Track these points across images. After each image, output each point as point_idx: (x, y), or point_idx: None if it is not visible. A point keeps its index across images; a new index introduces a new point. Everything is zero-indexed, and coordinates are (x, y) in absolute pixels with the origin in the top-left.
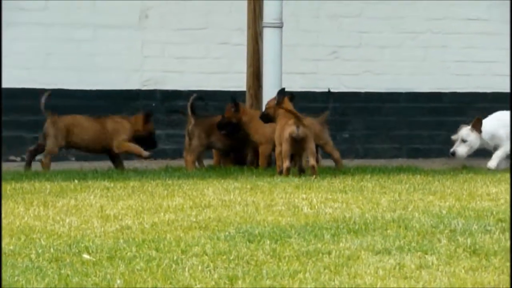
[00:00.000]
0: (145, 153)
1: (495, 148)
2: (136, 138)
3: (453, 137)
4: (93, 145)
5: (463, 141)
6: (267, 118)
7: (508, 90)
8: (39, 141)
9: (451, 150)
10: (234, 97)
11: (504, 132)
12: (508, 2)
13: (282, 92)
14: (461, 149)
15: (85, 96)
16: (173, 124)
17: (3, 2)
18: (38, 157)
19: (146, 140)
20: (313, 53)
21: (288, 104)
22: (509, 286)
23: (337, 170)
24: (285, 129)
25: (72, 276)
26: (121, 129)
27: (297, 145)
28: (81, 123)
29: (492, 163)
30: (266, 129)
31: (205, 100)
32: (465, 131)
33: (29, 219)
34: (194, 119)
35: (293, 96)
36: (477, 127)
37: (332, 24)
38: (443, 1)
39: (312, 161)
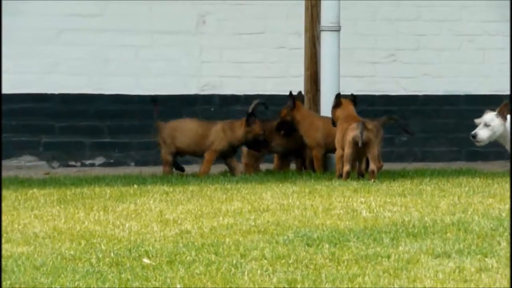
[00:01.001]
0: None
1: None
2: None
3: (477, 120)
4: (195, 149)
5: (486, 125)
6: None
7: None
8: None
9: (472, 132)
10: (292, 93)
11: None
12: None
13: (338, 96)
14: (482, 132)
15: (143, 101)
16: None
17: (59, 7)
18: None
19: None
20: (370, 57)
21: (348, 107)
22: None
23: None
24: (348, 133)
25: (132, 280)
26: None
27: (360, 149)
28: (184, 127)
29: None
30: (317, 133)
31: (267, 106)
32: (489, 115)
33: (89, 224)
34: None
35: (355, 98)
36: (503, 113)
37: (389, 27)
38: (499, 3)
39: (372, 166)
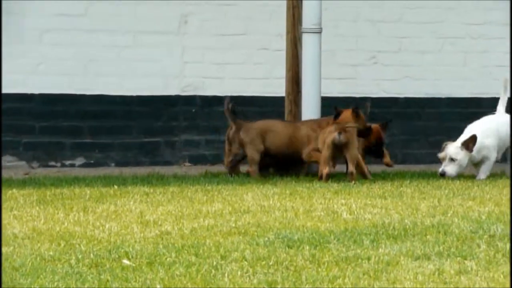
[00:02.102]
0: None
1: (483, 160)
2: None
3: (441, 155)
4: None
5: (452, 160)
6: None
7: None
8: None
9: (440, 170)
10: (357, 105)
11: (490, 142)
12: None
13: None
14: (450, 169)
15: (125, 102)
16: (213, 129)
17: (43, 7)
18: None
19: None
20: (352, 58)
21: (347, 116)
22: None
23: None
24: (327, 135)
25: (112, 281)
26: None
27: (338, 151)
28: (275, 128)
29: (482, 176)
30: None
31: (235, 104)
32: (453, 149)
33: (69, 224)
34: (236, 125)
35: (357, 109)
36: (468, 145)
37: (371, 29)
38: (483, 5)
39: (351, 168)
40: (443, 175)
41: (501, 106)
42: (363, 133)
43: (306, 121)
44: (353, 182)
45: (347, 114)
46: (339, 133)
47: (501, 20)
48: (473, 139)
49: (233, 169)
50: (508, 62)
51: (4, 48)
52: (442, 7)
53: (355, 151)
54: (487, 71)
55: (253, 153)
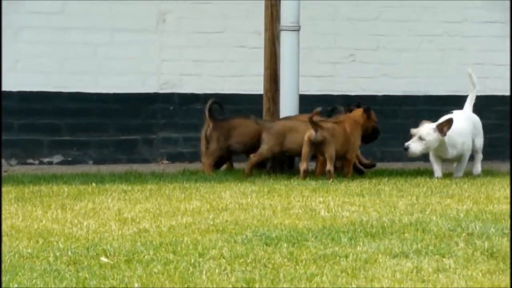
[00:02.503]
0: None
1: (460, 157)
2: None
3: (413, 130)
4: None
5: (421, 139)
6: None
7: None
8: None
9: (405, 144)
10: (360, 102)
11: (467, 140)
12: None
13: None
14: (415, 146)
15: (102, 100)
16: (191, 127)
17: (19, 5)
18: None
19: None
20: (330, 56)
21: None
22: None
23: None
24: (306, 132)
25: (90, 279)
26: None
27: (316, 148)
28: (297, 128)
29: (459, 174)
30: None
31: (222, 105)
32: (426, 129)
33: (47, 222)
34: (213, 122)
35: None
36: (443, 128)
37: (349, 27)
38: (460, 3)
39: (328, 166)
40: (406, 149)
41: (469, 104)
42: (371, 135)
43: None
44: (330, 180)
45: (358, 112)
46: (315, 130)
47: (479, 18)
48: (449, 123)
49: (253, 169)
50: (507, 61)
51: None
52: (420, 6)
53: (332, 149)
54: (464, 69)
55: (267, 151)
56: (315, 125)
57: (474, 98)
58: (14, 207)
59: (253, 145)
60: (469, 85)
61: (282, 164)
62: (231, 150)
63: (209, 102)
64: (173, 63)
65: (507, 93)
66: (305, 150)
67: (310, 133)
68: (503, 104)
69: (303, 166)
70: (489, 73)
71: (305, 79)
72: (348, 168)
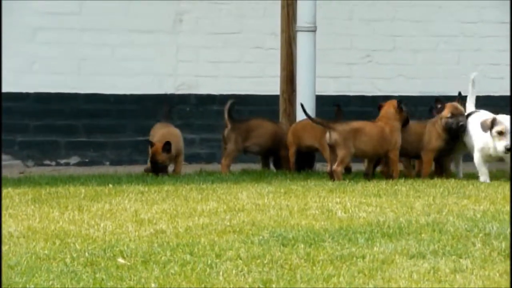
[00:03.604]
0: None
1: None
2: None
3: (499, 128)
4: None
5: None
6: None
7: None
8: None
9: (506, 144)
10: (401, 99)
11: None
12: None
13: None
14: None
15: (119, 101)
16: (208, 128)
17: (36, 5)
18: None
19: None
20: (346, 57)
21: (388, 109)
22: None
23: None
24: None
25: (107, 280)
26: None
27: (332, 149)
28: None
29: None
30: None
31: (236, 105)
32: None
33: (64, 223)
34: (231, 124)
35: (401, 101)
36: None
37: (365, 27)
38: (476, 3)
39: (335, 167)
40: (510, 150)
41: (471, 103)
42: (403, 126)
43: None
44: (334, 180)
45: (390, 108)
46: (329, 132)
47: (494, 18)
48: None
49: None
50: (506, 61)
51: None
52: (436, 6)
53: (343, 151)
54: (480, 70)
55: (346, 155)
56: (329, 128)
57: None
58: (31, 209)
59: (270, 147)
60: (470, 87)
61: (302, 164)
62: (248, 151)
63: (228, 103)
64: (189, 64)
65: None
66: (326, 152)
67: (326, 135)
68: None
69: (328, 168)
70: (504, 74)
71: (322, 80)
72: (394, 167)
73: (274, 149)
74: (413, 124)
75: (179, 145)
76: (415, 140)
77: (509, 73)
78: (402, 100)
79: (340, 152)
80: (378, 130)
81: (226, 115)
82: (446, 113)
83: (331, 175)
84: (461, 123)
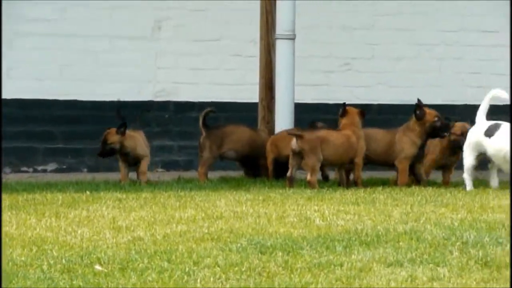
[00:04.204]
0: None
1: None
2: None
3: None
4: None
5: None
6: None
7: None
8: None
9: None
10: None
11: None
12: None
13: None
14: None
15: (98, 107)
16: (186, 135)
17: (18, 12)
18: None
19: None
20: (325, 65)
21: (352, 117)
22: None
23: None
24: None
25: (84, 287)
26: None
27: (298, 157)
28: (374, 136)
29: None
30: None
31: (216, 112)
32: None
33: (41, 230)
34: (205, 131)
35: (363, 111)
36: None
37: (344, 36)
38: (458, 12)
39: (308, 177)
40: None
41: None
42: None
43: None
44: (291, 187)
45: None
46: (296, 140)
47: (476, 27)
48: None
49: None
50: (504, 71)
51: None
52: (417, 14)
53: (313, 160)
54: (460, 78)
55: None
56: (297, 136)
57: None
58: (8, 215)
59: (247, 153)
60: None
61: (280, 172)
62: (225, 157)
63: (205, 111)
64: (169, 71)
65: (501, 103)
66: (290, 158)
67: (292, 142)
68: (501, 113)
69: (287, 173)
70: (486, 83)
71: (301, 87)
72: (358, 172)
73: (252, 156)
74: (381, 132)
75: (141, 147)
76: (383, 149)
77: (509, 73)
78: (365, 109)
79: (308, 161)
80: (344, 139)
81: (200, 123)
82: (457, 131)
83: (291, 181)
84: (462, 143)
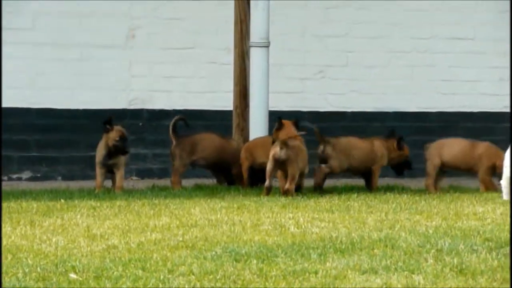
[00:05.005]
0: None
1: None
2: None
3: None
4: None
5: None
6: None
7: (494, 110)
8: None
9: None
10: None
11: None
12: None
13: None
14: None
15: (72, 116)
16: (160, 143)
17: None
18: None
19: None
20: (299, 73)
21: (289, 128)
22: None
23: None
24: (271, 149)
25: None
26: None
27: (280, 167)
28: (356, 145)
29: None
30: None
31: (187, 122)
32: None
33: (16, 238)
34: (175, 139)
35: (297, 120)
36: None
37: (318, 43)
38: (429, 20)
39: (287, 185)
40: None
41: None
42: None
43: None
44: (267, 195)
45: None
46: (281, 148)
47: (447, 35)
48: None
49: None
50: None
51: None
52: (389, 22)
53: (295, 169)
54: (433, 85)
55: (338, 165)
56: (282, 144)
57: None
58: None
59: (217, 161)
60: None
61: (255, 180)
62: (196, 165)
63: (174, 119)
64: (142, 79)
65: (475, 110)
66: (270, 167)
67: (275, 150)
68: (470, 121)
69: (266, 182)
70: (457, 90)
71: (275, 95)
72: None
73: (223, 164)
74: (358, 140)
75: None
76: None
77: (509, 75)
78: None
79: (291, 169)
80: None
81: (170, 131)
82: None
83: (269, 190)
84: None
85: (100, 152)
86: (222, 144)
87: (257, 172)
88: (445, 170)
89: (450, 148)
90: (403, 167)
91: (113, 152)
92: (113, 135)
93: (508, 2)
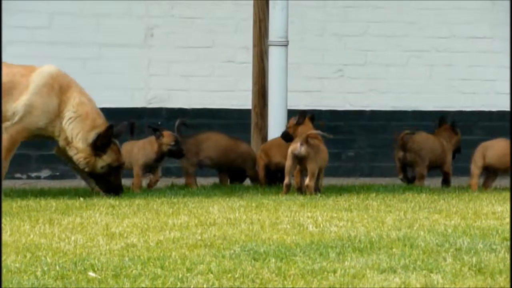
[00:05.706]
0: None
1: None
2: None
3: None
4: None
5: None
6: (288, 137)
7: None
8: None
9: None
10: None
11: None
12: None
13: (303, 113)
14: None
15: None
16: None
17: (5, 19)
18: None
19: None
20: (318, 72)
21: (308, 124)
22: None
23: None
24: (290, 146)
25: None
26: None
27: (299, 163)
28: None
29: None
30: None
31: (187, 124)
32: None
33: (35, 236)
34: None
35: (313, 116)
36: None
37: (337, 42)
38: (448, 19)
39: (307, 181)
40: None
41: None
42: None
43: None
44: (309, 194)
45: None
46: (301, 144)
47: (466, 34)
48: None
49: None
50: (494, 77)
51: None
52: (407, 21)
53: (315, 165)
54: (452, 85)
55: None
56: (303, 141)
57: None
58: (2, 222)
59: (222, 160)
60: None
61: (273, 178)
62: (203, 165)
63: (177, 122)
64: (161, 78)
65: (494, 109)
66: (288, 163)
67: (295, 146)
68: (489, 120)
69: (285, 180)
70: (476, 89)
71: (293, 94)
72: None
73: (233, 165)
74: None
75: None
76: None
77: (509, 75)
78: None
79: (311, 166)
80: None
81: (175, 132)
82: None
83: (288, 188)
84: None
85: (148, 156)
86: (229, 144)
87: (273, 172)
88: (490, 171)
89: (493, 150)
90: (456, 151)
91: (166, 156)
92: (167, 140)
93: None
